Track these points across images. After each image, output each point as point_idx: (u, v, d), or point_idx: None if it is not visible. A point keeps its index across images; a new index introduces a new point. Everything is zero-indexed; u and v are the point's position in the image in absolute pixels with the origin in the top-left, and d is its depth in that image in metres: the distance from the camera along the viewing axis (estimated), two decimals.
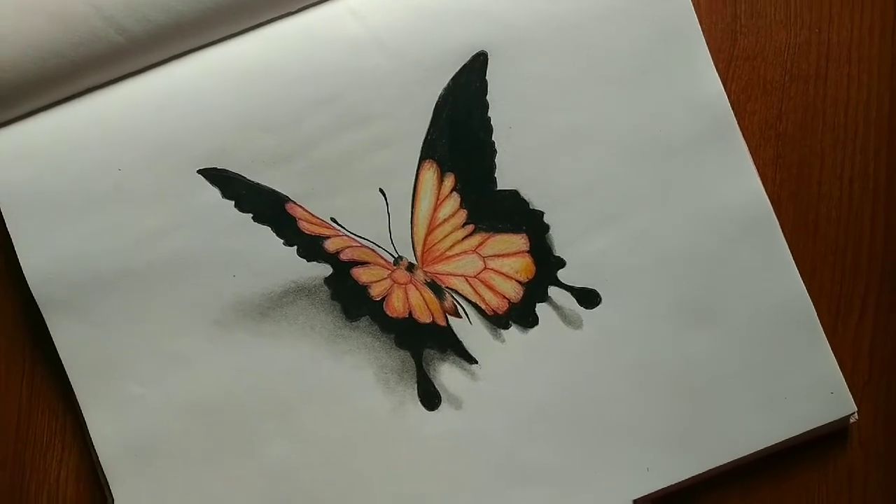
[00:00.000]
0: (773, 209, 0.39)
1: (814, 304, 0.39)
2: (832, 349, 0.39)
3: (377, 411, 0.39)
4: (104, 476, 0.39)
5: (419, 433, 0.39)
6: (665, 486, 0.38)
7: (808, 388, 0.39)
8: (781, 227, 0.39)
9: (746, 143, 0.40)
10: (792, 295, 0.39)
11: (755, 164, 0.40)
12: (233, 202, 0.40)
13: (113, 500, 0.39)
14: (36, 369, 0.41)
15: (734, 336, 0.39)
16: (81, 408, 0.39)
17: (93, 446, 0.40)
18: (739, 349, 0.39)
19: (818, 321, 0.39)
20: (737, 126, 0.40)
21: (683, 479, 0.38)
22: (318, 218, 0.40)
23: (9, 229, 0.39)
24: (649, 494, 0.39)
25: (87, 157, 0.39)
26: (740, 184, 0.39)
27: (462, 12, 0.39)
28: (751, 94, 0.41)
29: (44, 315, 0.39)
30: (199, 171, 0.39)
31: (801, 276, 0.39)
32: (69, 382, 0.39)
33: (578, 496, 0.39)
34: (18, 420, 0.41)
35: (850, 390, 0.39)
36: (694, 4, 0.40)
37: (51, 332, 0.40)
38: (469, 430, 0.39)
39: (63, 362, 0.40)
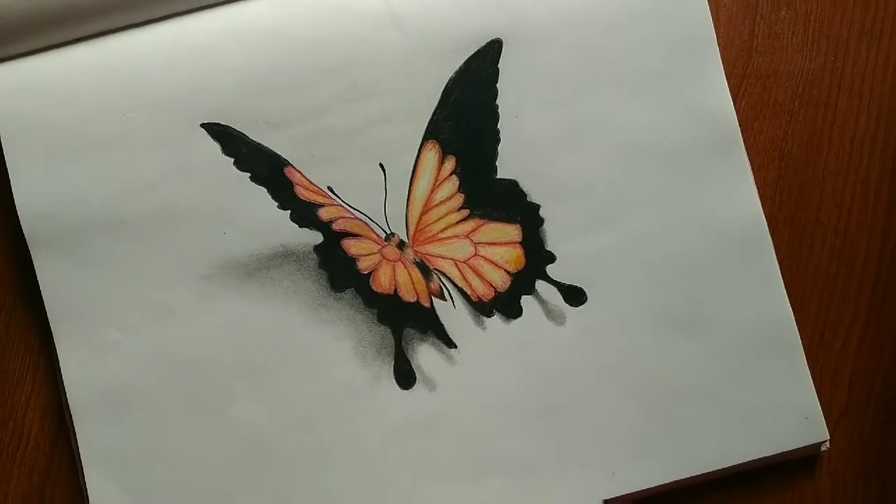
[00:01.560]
0: (770, 230, 0.39)
1: (799, 328, 0.39)
2: (812, 376, 0.39)
3: (351, 384, 0.39)
4: (70, 419, 0.39)
5: (390, 411, 0.39)
6: (630, 491, 0.38)
7: (783, 411, 0.38)
8: (775, 249, 0.39)
9: (750, 161, 0.40)
10: (778, 317, 0.39)
11: (756, 183, 0.40)
12: (232, 159, 0.39)
13: (77, 444, 0.39)
14: (17, 303, 0.41)
15: (715, 350, 0.39)
16: (56, 347, 0.39)
17: (63, 388, 0.39)
18: (718, 364, 0.39)
19: (801, 346, 0.39)
20: (742, 143, 0.40)
21: (648, 486, 0.38)
22: (315, 185, 0.40)
23: (6, 160, 0.39)
24: (627, 495, 0.38)
25: (93, 99, 0.39)
26: (739, 200, 0.39)
27: None
28: (759, 113, 0.41)
29: (31, 251, 0.39)
30: (203, 125, 0.39)
31: (789, 299, 0.39)
32: (48, 321, 0.39)
33: (544, 491, 0.38)
34: None
35: (825, 419, 0.39)
36: (713, 17, 0.40)
37: (35, 269, 0.39)
38: (440, 413, 0.39)
39: (44, 300, 0.39)
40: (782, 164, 0.41)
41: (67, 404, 0.39)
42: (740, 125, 0.40)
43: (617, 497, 0.38)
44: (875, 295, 0.40)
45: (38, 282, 0.39)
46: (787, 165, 0.41)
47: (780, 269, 0.39)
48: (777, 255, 0.39)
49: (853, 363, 0.40)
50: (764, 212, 0.39)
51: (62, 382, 0.39)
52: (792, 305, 0.39)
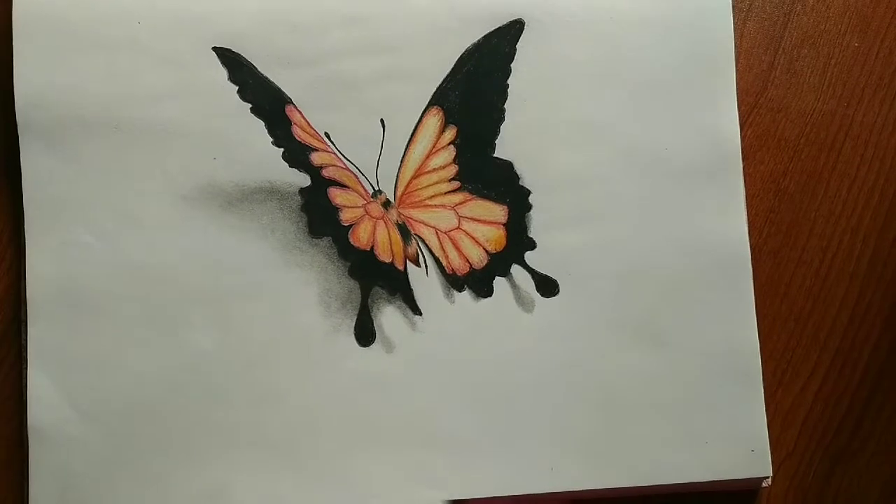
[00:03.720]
0: (752, 260, 0.39)
1: (762, 362, 0.39)
2: (766, 411, 0.39)
3: (310, 331, 0.39)
4: (25, 313, 0.39)
5: (343, 364, 0.39)
6: (564, 490, 0.38)
7: (732, 440, 0.38)
8: (754, 279, 0.39)
9: (746, 189, 0.40)
10: (744, 347, 0.39)
11: (748, 211, 0.39)
12: (237, 88, 0.39)
13: (26, 338, 0.39)
14: None
15: (674, 367, 0.39)
16: (26, 238, 0.39)
17: (24, 281, 0.39)
18: (675, 381, 0.39)
19: (761, 379, 0.39)
20: (741, 170, 0.40)
21: (584, 489, 0.38)
22: (312, 128, 0.39)
23: (14, 44, 0.39)
24: (559, 493, 0.38)
25: (111, 0, 0.39)
26: (727, 225, 0.39)
27: None
28: (763, 144, 0.41)
29: (20, 138, 0.39)
30: (215, 49, 0.39)
31: (758, 331, 0.39)
32: (23, 213, 0.39)
33: (478, 472, 0.38)
34: None
35: (772, 455, 0.38)
36: (736, 42, 0.40)
37: (21, 158, 0.39)
38: (392, 376, 0.39)
39: (23, 190, 0.39)
40: (777, 198, 0.41)
41: (26, 297, 0.39)
42: (743, 152, 0.40)
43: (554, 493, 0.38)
44: (843, 343, 0.40)
45: (20, 171, 0.39)
46: (781, 200, 0.41)
47: (755, 301, 0.39)
48: (754, 285, 0.39)
49: (809, 407, 0.40)
50: (749, 241, 0.39)
51: (24, 275, 0.39)
52: (760, 338, 0.39)
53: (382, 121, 0.39)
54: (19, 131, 0.39)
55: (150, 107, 0.39)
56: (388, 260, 0.39)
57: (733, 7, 0.40)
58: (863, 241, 0.40)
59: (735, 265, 0.39)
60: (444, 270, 0.39)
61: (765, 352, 0.39)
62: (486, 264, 0.39)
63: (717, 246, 0.39)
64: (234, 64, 0.39)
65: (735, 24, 0.40)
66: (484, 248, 0.40)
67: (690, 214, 0.39)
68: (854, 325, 0.40)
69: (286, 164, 0.39)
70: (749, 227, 0.39)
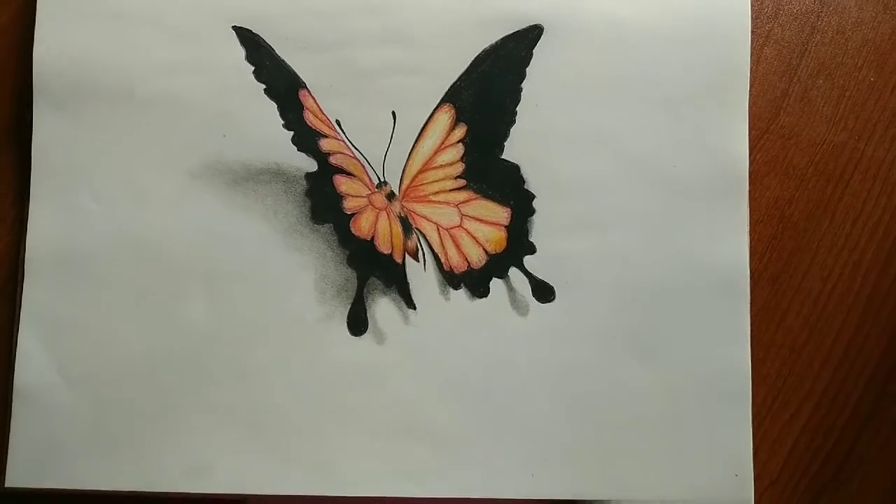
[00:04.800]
0: (750, 283, 0.39)
1: (753, 387, 0.39)
2: (752, 437, 0.38)
3: (303, 315, 0.39)
4: (22, 274, 0.39)
5: (333, 352, 0.39)
6: (544, 497, 0.38)
7: (716, 462, 0.38)
8: (751, 304, 0.39)
9: (750, 213, 0.39)
10: (736, 369, 0.39)
11: (750, 235, 0.39)
12: (253, 68, 0.40)
13: (20, 299, 0.39)
14: (4, 149, 0.41)
15: (664, 383, 0.38)
16: (31, 200, 0.39)
17: (25, 241, 0.39)
18: (664, 398, 0.38)
19: (750, 404, 0.38)
20: (747, 193, 0.39)
21: (564, 497, 0.38)
22: (324, 114, 0.40)
23: (37, 8, 0.39)
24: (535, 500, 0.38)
25: None
26: (729, 247, 0.39)
27: None
28: (771, 170, 0.41)
29: (34, 101, 0.39)
30: (235, 28, 0.40)
31: (751, 356, 0.39)
32: (30, 174, 0.39)
33: (458, 471, 0.38)
34: None
35: (755, 482, 0.38)
36: (752, 66, 0.40)
37: (33, 119, 0.39)
38: (381, 367, 0.38)
39: (32, 151, 0.39)
40: (781, 224, 0.41)
41: (24, 258, 0.39)
42: (750, 176, 0.40)
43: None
44: (836, 375, 0.40)
45: (31, 132, 0.39)
46: (784, 227, 0.41)
47: (751, 325, 0.39)
48: (751, 310, 0.39)
49: (797, 436, 0.40)
50: (750, 265, 0.39)
51: (25, 236, 0.39)
52: (753, 363, 0.39)
53: (394, 113, 0.40)
54: (34, 94, 0.39)
55: (165, 80, 0.39)
56: (387, 252, 0.39)
57: (752, 32, 0.40)
58: (863, 276, 0.40)
59: (733, 288, 0.39)
60: (442, 267, 0.39)
61: (756, 377, 0.39)
62: (485, 264, 0.39)
63: (716, 266, 0.39)
64: (253, 44, 0.40)
65: (753, 48, 0.40)
66: (484, 249, 0.40)
67: (693, 233, 0.39)
68: (849, 358, 0.40)
69: (294, 148, 0.39)
70: (750, 251, 0.39)
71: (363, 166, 0.40)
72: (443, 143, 0.40)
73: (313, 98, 0.40)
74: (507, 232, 0.40)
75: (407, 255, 0.39)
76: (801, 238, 0.41)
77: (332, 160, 0.40)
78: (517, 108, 0.40)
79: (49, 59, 0.39)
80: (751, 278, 0.39)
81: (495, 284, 0.39)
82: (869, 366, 0.40)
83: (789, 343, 0.40)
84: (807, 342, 0.40)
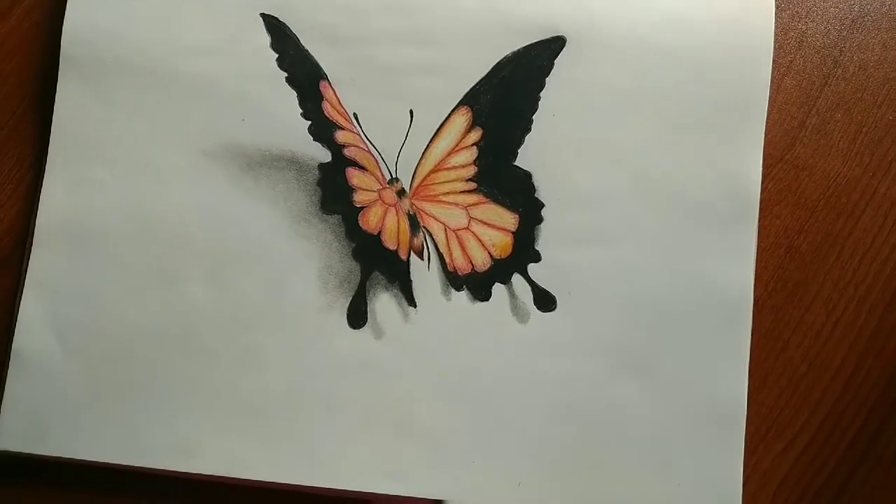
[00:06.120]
0: (753, 311, 0.39)
1: (748, 416, 0.38)
2: (744, 465, 0.38)
3: (303, 304, 0.39)
4: (31, 241, 0.39)
5: (331, 342, 0.39)
6: None
7: (704, 486, 0.38)
8: (753, 331, 0.39)
9: (758, 241, 0.39)
10: (732, 396, 0.38)
11: (756, 262, 0.39)
12: (277, 56, 0.40)
13: (27, 265, 0.39)
14: (25, 117, 0.41)
15: (658, 403, 0.38)
16: (46, 168, 0.40)
17: (37, 209, 0.39)
18: (656, 417, 0.38)
19: (743, 432, 0.38)
20: (756, 221, 0.39)
21: None
22: (342, 107, 0.40)
23: None
24: None
25: None
26: (734, 273, 0.39)
27: None
28: (783, 199, 0.41)
29: (59, 70, 0.40)
30: (262, 15, 0.40)
31: (748, 384, 0.38)
32: (48, 142, 0.40)
33: (445, 473, 0.38)
34: None
35: None
36: (771, 95, 0.40)
37: (57, 89, 0.40)
38: (378, 362, 0.38)
39: (53, 120, 0.40)
40: (788, 254, 0.40)
41: (34, 226, 0.39)
42: (761, 204, 0.40)
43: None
44: (834, 411, 0.39)
45: (53, 101, 0.40)
46: (792, 258, 0.40)
47: (751, 353, 0.39)
48: (752, 337, 0.39)
49: (788, 470, 0.39)
50: (754, 293, 0.39)
51: (37, 204, 0.40)
52: (749, 391, 0.38)
53: (411, 111, 0.40)
54: (60, 64, 0.40)
55: (189, 59, 0.40)
56: (392, 247, 0.40)
57: (774, 61, 0.40)
58: (868, 312, 0.40)
59: (735, 313, 0.39)
60: (446, 267, 0.39)
61: (752, 405, 0.39)
62: (489, 268, 0.39)
63: (720, 290, 0.39)
64: (279, 32, 0.40)
65: (773, 77, 0.40)
66: (489, 252, 0.40)
67: (699, 255, 0.39)
68: (848, 394, 0.39)
69: (310, 138, 0.40)
70: (756, 278, 0.39)
71: (376, 161, 0.40)
72: (457, 144, 0.40)
73: (333, 90, 0.40)
74: (514, 238, 0.40)
75: (412, 253, 0.40)
76: (808, 269, 0.40)
77: (347, 152, 0.40)
78: (534, 117, 0.40)
79: (78, 30, 0.40)
80: (754, 306, 0.39)
81: (497, 289, 0.39)
82: (867, 404, 0.39)
83: (788, 374, 0.40)
84: (806, 374, 0.40)
